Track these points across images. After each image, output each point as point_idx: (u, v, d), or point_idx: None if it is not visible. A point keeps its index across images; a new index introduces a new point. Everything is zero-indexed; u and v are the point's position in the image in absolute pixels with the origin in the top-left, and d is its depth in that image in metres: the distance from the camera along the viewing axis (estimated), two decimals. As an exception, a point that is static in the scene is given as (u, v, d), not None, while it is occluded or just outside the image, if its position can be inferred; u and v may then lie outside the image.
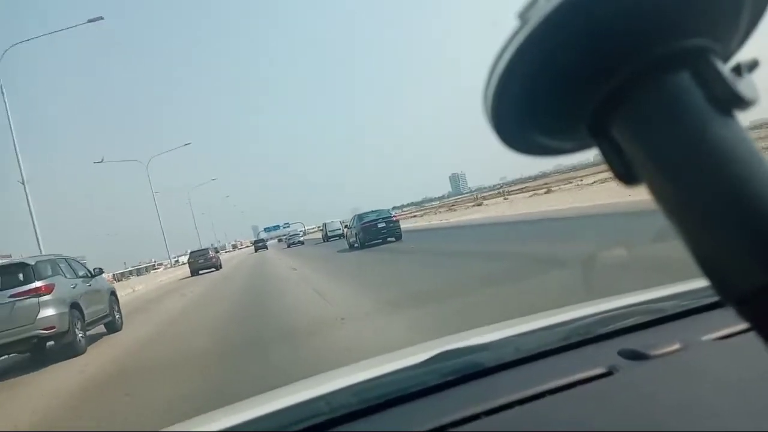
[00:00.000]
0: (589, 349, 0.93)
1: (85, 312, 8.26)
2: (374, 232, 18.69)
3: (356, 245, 19.56)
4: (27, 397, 5.78)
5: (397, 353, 1.10)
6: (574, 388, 0.78)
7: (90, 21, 23.83)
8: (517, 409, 0.75)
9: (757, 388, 0.69)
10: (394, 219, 19.48)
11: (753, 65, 0.28)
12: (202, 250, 31.52)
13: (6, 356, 7.78)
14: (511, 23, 0.27)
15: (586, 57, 0.27)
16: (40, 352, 7.68)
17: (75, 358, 7.44)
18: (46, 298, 7.45)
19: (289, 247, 46.56)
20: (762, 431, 0.60)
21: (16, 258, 7.98)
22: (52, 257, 8.67)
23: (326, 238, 37.08)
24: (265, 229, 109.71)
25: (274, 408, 0.88)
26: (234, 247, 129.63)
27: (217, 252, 34.04)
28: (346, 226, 24.88)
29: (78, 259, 9.74)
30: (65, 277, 8.32)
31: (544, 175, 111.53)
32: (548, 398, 0.76)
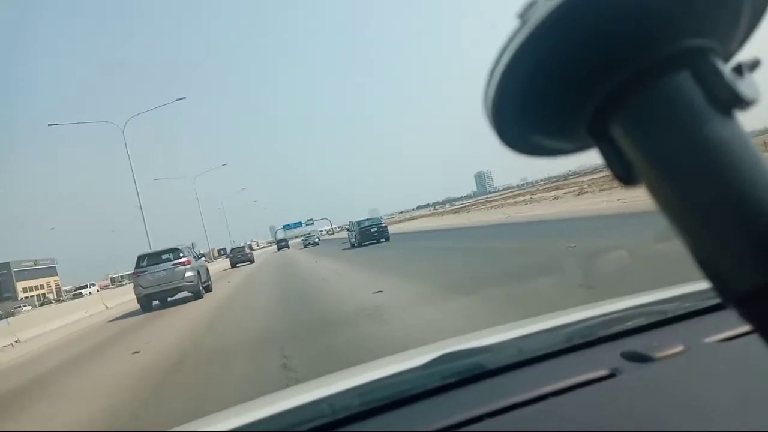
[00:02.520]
0: (592, 352, 0.93)
1: (201, 276, 15.54)
2: (368, 235, 25.81)
3: (355, 245, 26.56)
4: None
5: (400, 355, 1.13)
6: (577, 390, 0.78)
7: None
8: (520, 411, 0.75)
9: (760, 389, 0.68)
10: (384, 225, 26.63)
11: (754, 65, 0.28)
12: (240, 247, 42.91)
13: (171, 297, 15.12)
14: (511, 23, 0.27)
15: (585, 57, 0.27)
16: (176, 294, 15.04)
17: (199, 300, 14.38)
18: (188, 266, 14.50)
19: (305, 247, 50.35)
20: None
21: (172, 245, 15.34)
22: (186, 245, 15.92)
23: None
24: (284, 227, 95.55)
25: (277, 410, 0.89)
26: (249, 248, 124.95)
27: (252, 249, 43.82)
28: (347, 230, 31.78)
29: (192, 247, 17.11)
30: (191, 256, 15.56)
31: (569, 176, 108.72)
32: (551, 400, 0.77)
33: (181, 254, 14.87)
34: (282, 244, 63.10)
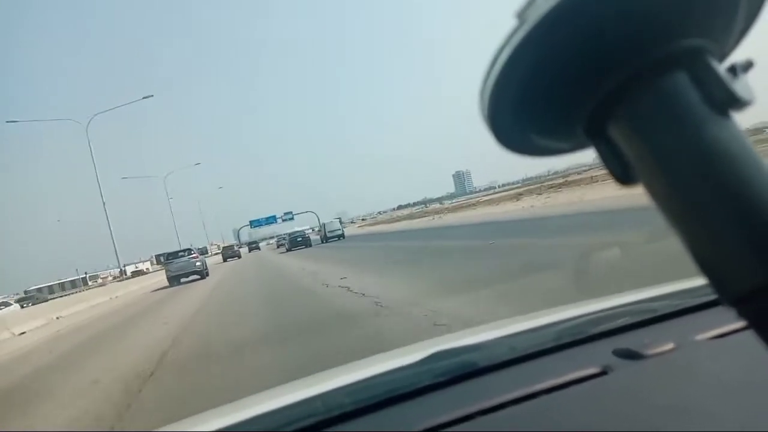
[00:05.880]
0: (583, 349, 0.94)
1: (206, 265, 25.68)
2: (297, 242, 40.43)
3: (287, 249, 39.83)
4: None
5: (391, 353, 1.13)
6: (569, 387, 0.78)
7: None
8: (511, 408, 0.75)
9: (751, 387, 0.69)
10: (307, 236, 41.67)
11: (748, 66, 0.28)
12: (231, 245, 53.99)
13: (188, 278, 24.50)
14: (509, 23, 0.27)
15: (583, 57, 0.27)
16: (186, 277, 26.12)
17: (205, 279, 22.77)
18: (197, 259, 24.31)
19: (278, 247, 54.31)
20: (756, 431, 0.60)
21: (187, 246, 31.36)
22: (193, 247, 30.19)
23: (325, 239, 40.31)
24: (251, 223, 73.50)
25: (267, 408, 0.89)
26: (201, 252, 71.28)
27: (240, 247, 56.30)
28: (283, 239, 47.65)
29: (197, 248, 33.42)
30: (199, 252, 26.77)
31: (546, 177, 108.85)
32: (542, 398, 0.77)
33: (192, 251, 25.56)
34: (253, 246, 64.78)
